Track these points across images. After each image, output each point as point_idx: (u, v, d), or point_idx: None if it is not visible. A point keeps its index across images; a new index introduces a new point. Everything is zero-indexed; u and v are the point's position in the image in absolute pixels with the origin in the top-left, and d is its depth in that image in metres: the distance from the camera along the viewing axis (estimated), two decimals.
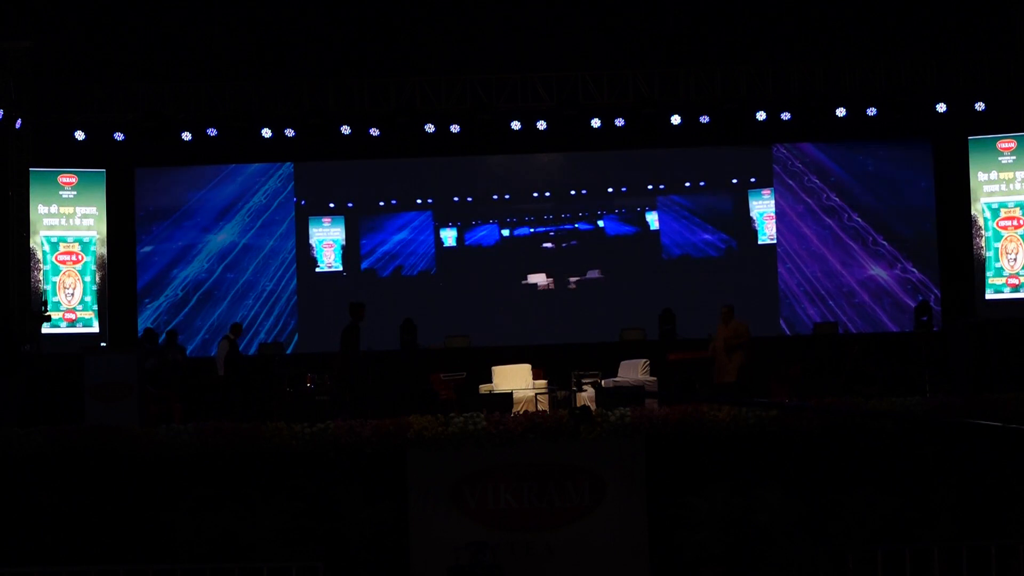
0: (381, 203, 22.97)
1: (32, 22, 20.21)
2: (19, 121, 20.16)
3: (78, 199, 20.79)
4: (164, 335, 19.66)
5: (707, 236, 22.77)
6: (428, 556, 14.08)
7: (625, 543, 14.16)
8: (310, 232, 22.79)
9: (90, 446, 14.22)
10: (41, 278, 20.43)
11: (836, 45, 20.84)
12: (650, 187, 22.85)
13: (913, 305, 20.92)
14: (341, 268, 22.87)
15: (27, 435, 14.32)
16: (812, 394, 14.68)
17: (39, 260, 20.48)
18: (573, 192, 22.96)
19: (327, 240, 22.83)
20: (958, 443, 13.93)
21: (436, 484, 14.30)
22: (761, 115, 20.82)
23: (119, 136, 20.91)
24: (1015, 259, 20.61)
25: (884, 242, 21.94)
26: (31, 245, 20.37)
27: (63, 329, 20.64)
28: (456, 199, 22.94)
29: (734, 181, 22.77)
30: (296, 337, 22.24)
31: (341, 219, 22.88)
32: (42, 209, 20.67)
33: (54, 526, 13.85)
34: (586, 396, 17.44)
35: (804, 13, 20.74)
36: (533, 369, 18.72)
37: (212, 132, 20.94)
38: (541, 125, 21.01)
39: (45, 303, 19.84)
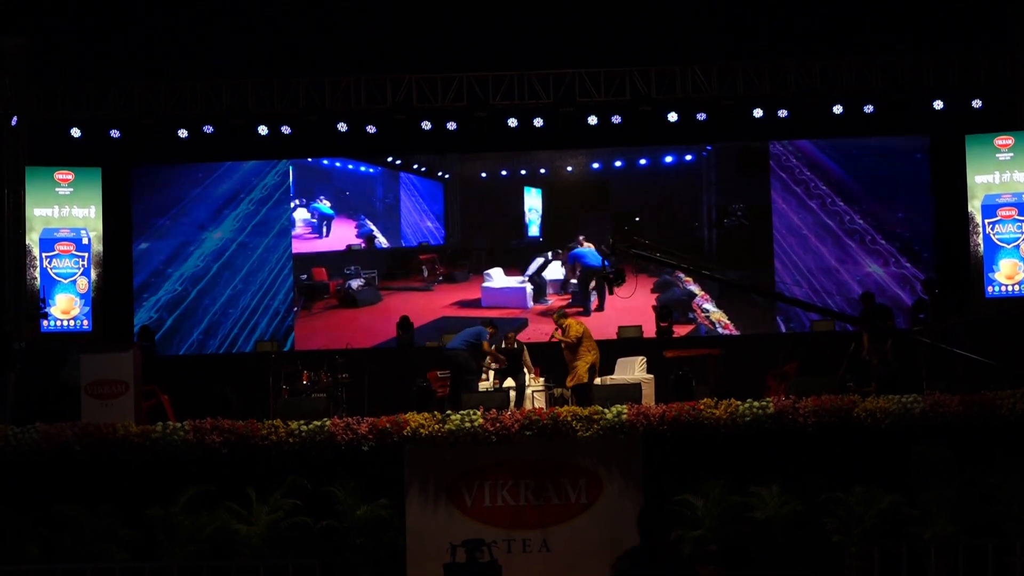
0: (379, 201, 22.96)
1: (28, 19, 20.17)
2: (15, 118, 20.11)
3: (74, 196, 20.68)
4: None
5: None
6: (425, 553, 14.08)
7: (622, 540, 14.17)
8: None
9: (86, 444, 14.21)
10: (37, 275, 20.37)
11: (833, 42, 20.80)
12: None
13: (910, 303, 20.91)
14: None
15: (23, 433, 14.31)
16: (808, 392, 14.64)
17: (35, 257, 20.41)
18: None
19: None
20: (956, 441, 13.94)
21: (433, 481, 14.31)
22: (758, 112, 20.79)
23: (115, 133, 20.86)
24: None
25: (881, 239, 21.91)
26: (27, 242, 20.32)
27: (59, 326, 20.55)
28: None
29: None
30: (292, 335, 22.20)
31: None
32: (38, 207, 20.58)
33: (50, 524, 13.83)
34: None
35: (801, 10, 20.72)
36: None
37: (208, 129, 20.89)
38: (538, 122, 20.98)
39: (43, 300, 19.79)
